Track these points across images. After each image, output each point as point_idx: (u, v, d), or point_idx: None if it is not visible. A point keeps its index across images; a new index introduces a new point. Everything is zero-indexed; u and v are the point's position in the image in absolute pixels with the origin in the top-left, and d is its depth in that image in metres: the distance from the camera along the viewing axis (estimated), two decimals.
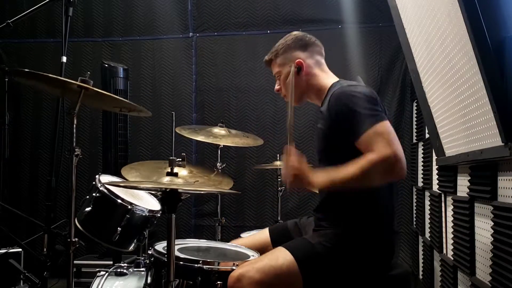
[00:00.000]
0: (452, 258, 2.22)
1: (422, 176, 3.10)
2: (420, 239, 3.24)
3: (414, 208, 3.49)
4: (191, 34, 4.04)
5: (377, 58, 3.76)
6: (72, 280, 1.87)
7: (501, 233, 1.57)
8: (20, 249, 2.96)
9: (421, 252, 3.22)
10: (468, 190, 1.95)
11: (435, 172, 2.71)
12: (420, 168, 3.20)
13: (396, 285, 1.69)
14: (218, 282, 1.58)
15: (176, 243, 1.86)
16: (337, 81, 1.81)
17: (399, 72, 3.72)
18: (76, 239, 1.85)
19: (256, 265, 1.55)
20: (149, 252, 1.80)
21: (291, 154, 1.60)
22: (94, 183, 2.16)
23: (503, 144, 1.40)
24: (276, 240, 1.91)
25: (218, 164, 2.82)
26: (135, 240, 2.20)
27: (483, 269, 1.79)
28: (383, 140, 1.49)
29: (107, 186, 2.09)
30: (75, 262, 1.95)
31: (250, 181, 3.90)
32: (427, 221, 2.91)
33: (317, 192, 1.92)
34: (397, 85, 3.72)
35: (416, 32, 2.39)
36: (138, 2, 4.11)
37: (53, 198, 2.55)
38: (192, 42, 4.04)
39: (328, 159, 1.69)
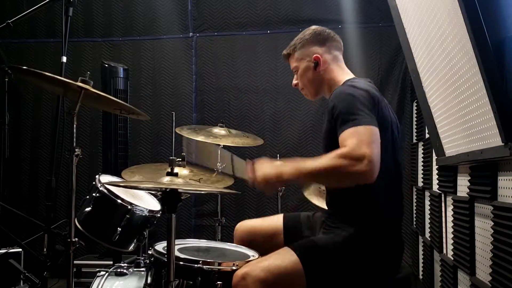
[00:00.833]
0: (452, 258, 2.22)
1: (422, 176, 3.10)
2: (420, 239, 3.23)
3: (414, 208, 3.49)
4: (191, 34, 4.04)
5: (377, 58, 3.76)
6: (72, 280, 1.87)
7: (501, 233, 1.57)
8: (20, 249, 2.96)
9: (421, 252, 3.22)
10: (468, 190, 1.95)
11: (435, 172, 2.71)
12: (420, 168, 3.19)
13: (400, 287, 1.69)
14: (218, 282, 1.58)
15: (176, 243, 1.86)
16: (351, 78, 1.80)
17: (399, 72, 3.72)
18: (76, 239, 1.85)
19: (261, 264, 1.55)
20: (149, 252, 1.81)
21: (248, 170, 1.59)
22: (94, 183, 2.16)
23: (503, 144, 1.40)
24: (288, 229, 1.91)
25: (218, 164, 2.82)
26: (135, 240, 2.20)
27: (483, 269, 1.79)
28: (359, 138, 1.46)
29: (107, 186, 2.09)
30: (75, 262, 1.95)
31: None
32: (427, 221, 2.91)
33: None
34: (397, 85, 3.72)
35: (416, 32, 2.39)
36: (138, 2, 4.10)
37: (53, 198, 2.55)
38: (192, 42, 4.04)
39: (325, 149, 1.68)
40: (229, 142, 2.78)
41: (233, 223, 3.86)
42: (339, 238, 1.62)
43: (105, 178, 2.23)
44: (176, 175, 1.61)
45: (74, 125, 1.86)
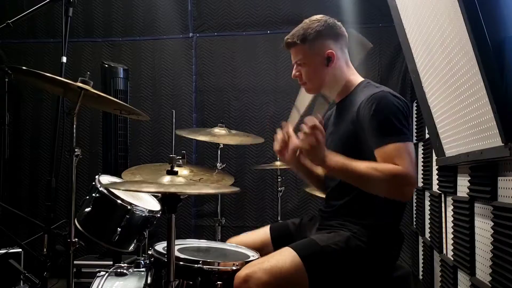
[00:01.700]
0: (452, 258, 2.22)
1: (422, 176, 3.09)
2: (420, 239, 3.23)
3: (414, 208, 3.49)
4: (191, 34, 4.04)
5: (377, 58, 3.76)
6: (72, 280, 1.87)
7: (501, 233, 1.57)
8: (20, 249, 2.96)
9: (421, 252, 3.22)
10: (468, 190, 1.95)
11: (435, 172, 2.71)
12: (420, 168, 3.19)
13: (399, 286, 1.69)
14: (218, 283, 1.57)
15: (176, 243, 1.85)
16: (366, 81, 1.78)
17: (399, 72, 3.72)
18: (76, 239, 1.85)
19: (263, 266, 1.53)
20: (149, 252, 1.80)
21: (316, 126, 1.52)
22: (94, 183, 2.16)
23: (503, 144, 1.40)
24: (277, 239, 1.89)
25: (218, 164, 2.82)
26: (135, 241, 2.20)
27: (483, 269, 1.79)
28: (409, 158, 1.49)
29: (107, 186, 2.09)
30: (75, 262, 1.95)
31: (250, 181, 3.90)
32: (427, 221, 2.91)
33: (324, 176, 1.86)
34: (397, 85, 3.71)
35: (416, 32, 2.39)
36: (138, 2, 4.10)
37: (53, 198, 2.55)
38: (192, 42, 4.04)
39: (340, 151, 1.63)
40: (227, 140, 2.78)
41: (233, 223, 3.90)
42: (341, 237, 1.61)
43: (104, 179, 2.23)
44: (176, 173, 1.60)
45: (74, 126, 1.86)
